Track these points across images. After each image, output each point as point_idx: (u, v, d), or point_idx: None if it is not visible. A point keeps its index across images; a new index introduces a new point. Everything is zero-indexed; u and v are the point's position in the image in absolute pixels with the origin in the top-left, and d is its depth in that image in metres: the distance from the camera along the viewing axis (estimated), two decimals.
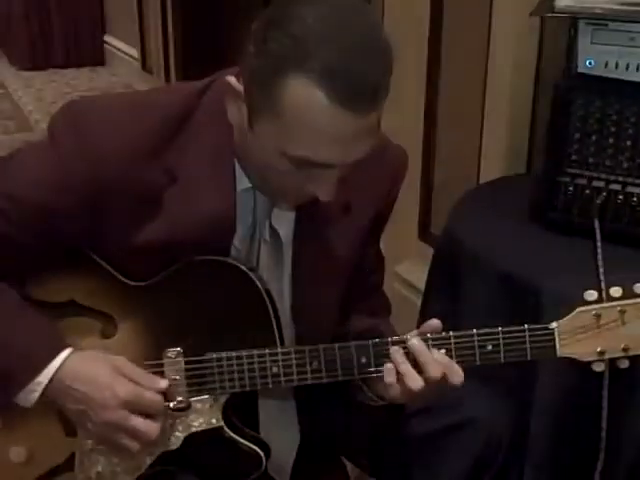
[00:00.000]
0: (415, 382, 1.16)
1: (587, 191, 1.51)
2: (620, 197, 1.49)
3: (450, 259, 1.59)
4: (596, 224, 1.44)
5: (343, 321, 1.38)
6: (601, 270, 1.31)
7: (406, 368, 1.16)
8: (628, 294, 1.16)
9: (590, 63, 1.46)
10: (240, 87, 1.11)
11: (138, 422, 1.15)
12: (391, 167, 1.35)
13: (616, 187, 1.50)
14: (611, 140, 1.48)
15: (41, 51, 6.38)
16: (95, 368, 1.16)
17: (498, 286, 1.46)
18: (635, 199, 1.48)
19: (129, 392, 1.15)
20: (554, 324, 1.16)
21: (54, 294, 1.23)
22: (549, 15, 1.41)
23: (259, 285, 1.21)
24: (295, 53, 1.03)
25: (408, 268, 2.53)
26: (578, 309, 1.16)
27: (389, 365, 1.17)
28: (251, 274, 1.21)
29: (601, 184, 1.50)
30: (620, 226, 1.50)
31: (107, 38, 6.34)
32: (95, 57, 6.47)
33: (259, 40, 1.06)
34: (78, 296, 1.22)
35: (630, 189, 1.49)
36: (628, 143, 1.47)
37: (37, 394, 1.16)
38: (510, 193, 1.78)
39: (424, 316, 1.69)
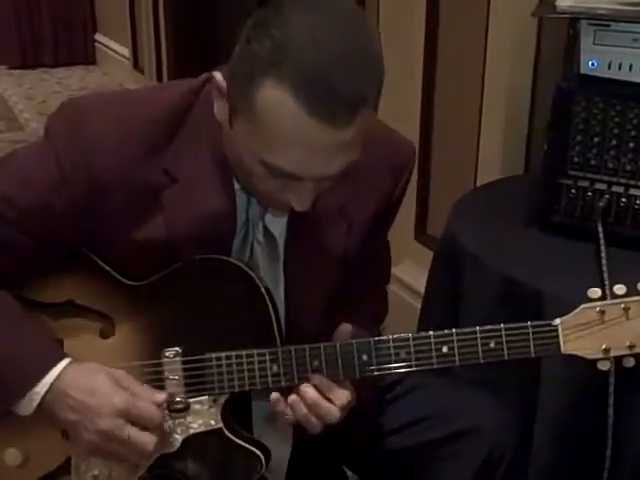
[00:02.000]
0: (315, 428, 1.19)
1: (589, 193, 1.50)
2: (623, 199, 1.48)
3: (450, 261, 1.57)
4: (599, 227, 1.42)
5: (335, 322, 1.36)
6: (605, 269, 1.30)
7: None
8: (632, 292, 1.15)
9: (593, 64, 1.44)
10: (224, 83, 1.09)
11: (133, 432, 1.14)
12: (394, 166, 1.32)
13: (618, 189, 1.48)
14: (613, 142, 1.46)
15: (31, 50, 6.35)
16: (93, 378, 1.15)
17: (499, 288, 1.44)
18: (638, 201, 1.46)
19: (125, 401, 1.14)
20: (557, 320, 1.16)
21: (52, 294, 1.21)
22: (552, 16, 1.39)
23: (259, 283, 1.19)
24: (274, 56, 1.00)
25: (405, 270, 2.52)
26: (582, 306, 1.15)
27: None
28: (250, 272, 1.19)
29: (603, 186, 1.49)
30: (622, 228, 1.49)
31: (98, 37, 6.31)
32: (86, 56, 6.44)
33: (244, 39, 1.05)
34: (76, 296, 1.21)
35: (633, 191, 1.47)
36: (631, 145, 1.45)
37: (35, 403, 1.15)
38: (509, 195, 1.76)
39: (425, 320, 1.67)
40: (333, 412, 1.17)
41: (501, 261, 1.47)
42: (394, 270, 2.52)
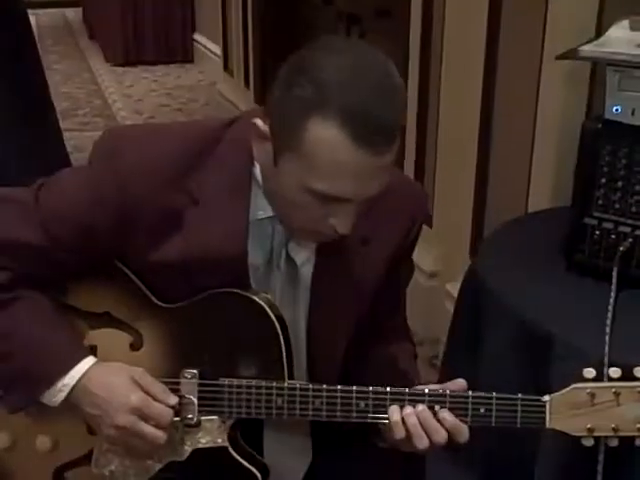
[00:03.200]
0: (421, 441, 1.22)
1: (613, 236, 1.49)
2: None
3: (473, 297, 1.59)
4: (614, 273, 1.42)
5: (360, 346, 1.42)
6: (607, 341, 1.29)
7: (415, 430, 1.22)
8: (627, 376, 1.15)
9: (617, 110, 1.44)
10: (266, 128, 1.20)
11: (146, 428, 1.25)
12: (411, 204, 1.40)
13: None
14: (637, 187, 1.45)
15: (134, 47, 6.57)
16: (115, 377, 1.27)
17: (514, 329, 1.46)
18: None
19: (140, 400, 1.25)
20: (547, 397, 1.18)
21: (93, 305, 1.33)
22: (574, 60, 1.39)
23: (272, 317, 1.27)
24: (317, 98, 1.12)
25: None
26: (573, 385, 1.17)
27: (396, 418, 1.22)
28: (265, 306, 1.27)
29: (627, 229, 1.48)
30: None
31: (196, 36, 6.49)
32: (185, 54, 6.64)
33: (284, 85, 1.16)
34: (113, 309, 1.33)
35: None
36: None
37: (64, 394, 1.27)
38: (540, 230, 1.76)
39: (449, 354, 1.70)
40: (466, 433, 1.23)
41: (518, 300, 1.48)
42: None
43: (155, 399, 1.26)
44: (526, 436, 1.38)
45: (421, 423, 1.22)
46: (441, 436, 1.21)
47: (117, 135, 1.32)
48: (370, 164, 1.14)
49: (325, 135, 1.12)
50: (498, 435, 1.42)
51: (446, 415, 1.21)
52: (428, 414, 1.22)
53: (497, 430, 1.24)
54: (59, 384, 1.26)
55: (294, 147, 1.15)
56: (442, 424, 1.22)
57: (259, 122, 1.21)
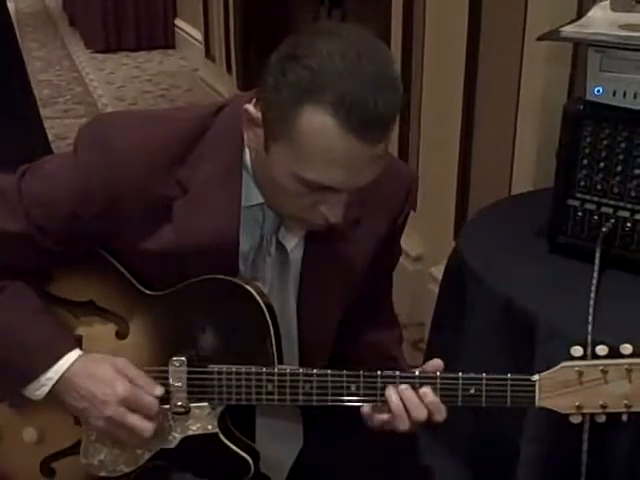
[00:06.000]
0: (403, 422, 1.23)
1: (595, 217, 1.50)
2: (628, 224, 1.48)
3: (457, 279, 1.60)
4: (597, 254, 1.42)
5: (348, 331, 1.42)
6: (590, 320, 1.30)
7: (398, 410, 1.22)
8: (613, 353, 1.16)
9: (598, 91, 1.44)
10: (257, 114, 1.18)
11: (134, 420, 1.24)
12: (401, 186, 1.40)
13: (624, 214, 1.48)
14: (619, 168, 1.46)
15: (115, 34, 6.53)
16: (99, 367, 1.26)
17: (497, 310, 1.46)
18: None
19: (127, 390, 1.24)
20: (536, 377, 1.19)
21: (76, 293, 1.32)
22: (556, 41, 1.39)
23: (262, 304, 1.27)
24: (312, 85, 1.09)
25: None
26: (562, 364, 1.18)
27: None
28: (255, 293, 1.26)
29: (609, 210, 1.49)
30: (627, 253, 1.49)
31: (178, 22, 6.45)
32: (166, 40, 6.60)
33: (278, 72, 1.13)
34: (97, 298, 1.32)
35: (638, 217, 1.47)
36: (636, 171, 1.44)
37: (47, 388, 1.26)
38: (523, 212, 1.77)
39: (434, 334, 1.71)
40: (444, 412, 1.23)
41: (501, 282, 1.49)
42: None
43: (141, 389, 1.25)
44: (511, 415, 1.38)
45: (404, 402, 1.22)
46: (421, 413, 1.22)
47: (105, 122, 1.29)
48: (363, 154, 1.12)
49: (318, 123, 1.10)
50: (482, 415, 1.43)
51: (427, 390, 1.22)
52: (411, 393, 1.22)
53: (481, 410, 1.25)
54: (42, 378, 1.26)
55: (286, 134, 1.13)
56: (422, 399, 1.22)
57: (250, 108, 1.19)
